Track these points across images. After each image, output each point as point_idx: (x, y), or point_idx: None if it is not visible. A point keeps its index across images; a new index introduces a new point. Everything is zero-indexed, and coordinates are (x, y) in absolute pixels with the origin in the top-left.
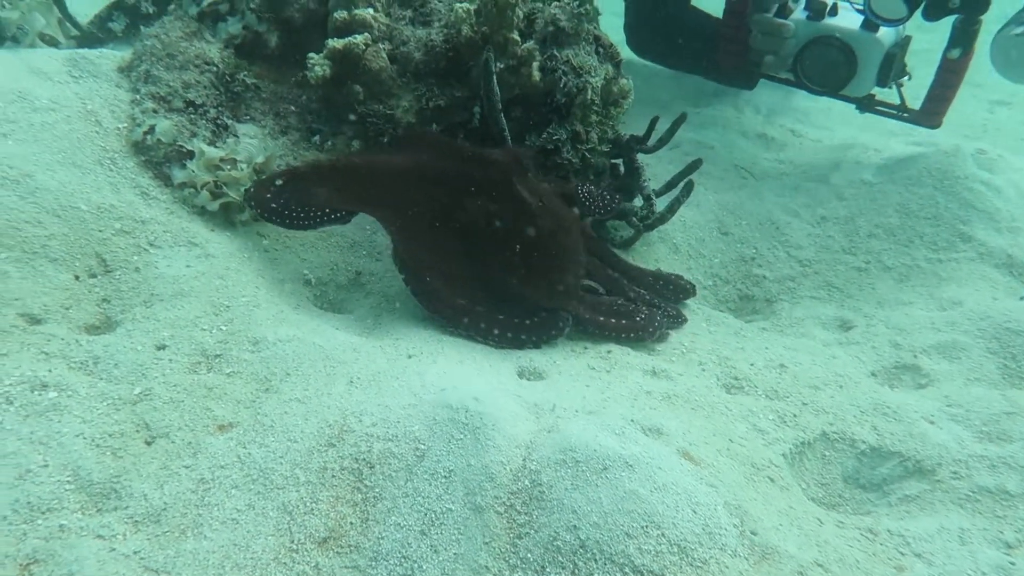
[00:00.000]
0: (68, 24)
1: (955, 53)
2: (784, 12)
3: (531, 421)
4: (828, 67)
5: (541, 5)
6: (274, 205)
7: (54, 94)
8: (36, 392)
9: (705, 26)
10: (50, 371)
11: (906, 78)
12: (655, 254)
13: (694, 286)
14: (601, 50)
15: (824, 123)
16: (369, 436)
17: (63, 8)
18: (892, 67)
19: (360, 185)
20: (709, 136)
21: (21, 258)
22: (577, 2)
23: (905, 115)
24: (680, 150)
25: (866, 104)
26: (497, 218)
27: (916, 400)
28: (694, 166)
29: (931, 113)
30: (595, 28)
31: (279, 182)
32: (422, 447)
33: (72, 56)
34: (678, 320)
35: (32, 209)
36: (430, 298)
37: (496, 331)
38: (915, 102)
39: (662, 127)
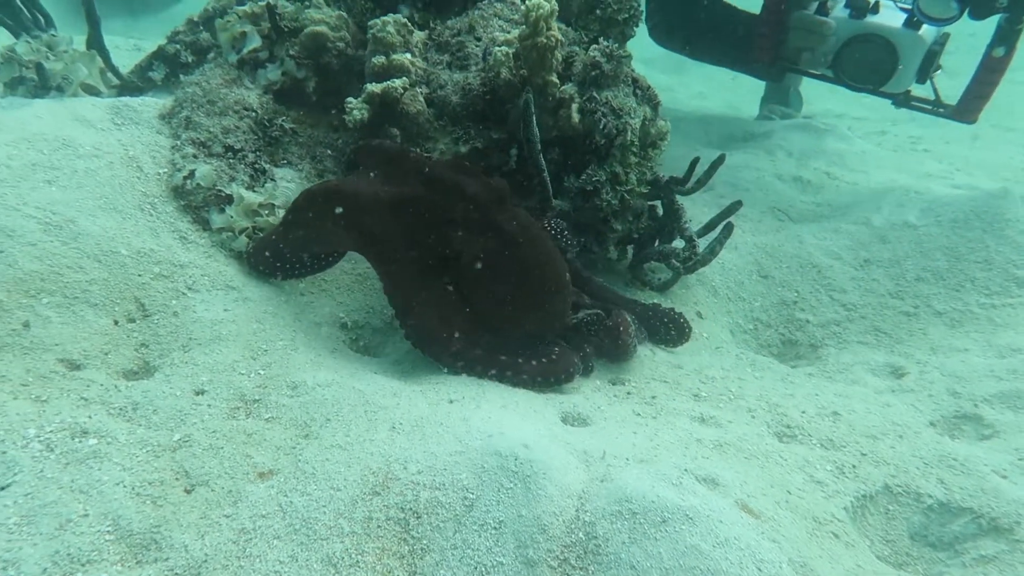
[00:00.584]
0: (110, 74)
1: (1000, 51)
2: (824, 10)
3: (582, 470)
4: (870, 64)
5: (578, 49)
6: (267, 254)
7: (97, 141)
8: (76, 439)
9: (734, 19)
10: (90, 417)
11: (938, 71)
12: (694, 297)
13: (690, 328)
14: (639, 92)
15: (859, 166)
16: (415, 484)
17: (106, 58)
18: (932, 64)
19: (349, 218)
20: (743, 178)
21: (62, 303)
22: (616, 44)
23: (941, 110)
24: (714, 192)
25: (902, 100)
26: (482, 251)
27: (984, 452)
28: (733, 208)
29: (968, 110)
30: (632, 70)
31: (273, 237)
32: (471, 496)
33: (115, 104)
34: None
35: (74, 254)
36: (427, 342)
37: (494, 371)
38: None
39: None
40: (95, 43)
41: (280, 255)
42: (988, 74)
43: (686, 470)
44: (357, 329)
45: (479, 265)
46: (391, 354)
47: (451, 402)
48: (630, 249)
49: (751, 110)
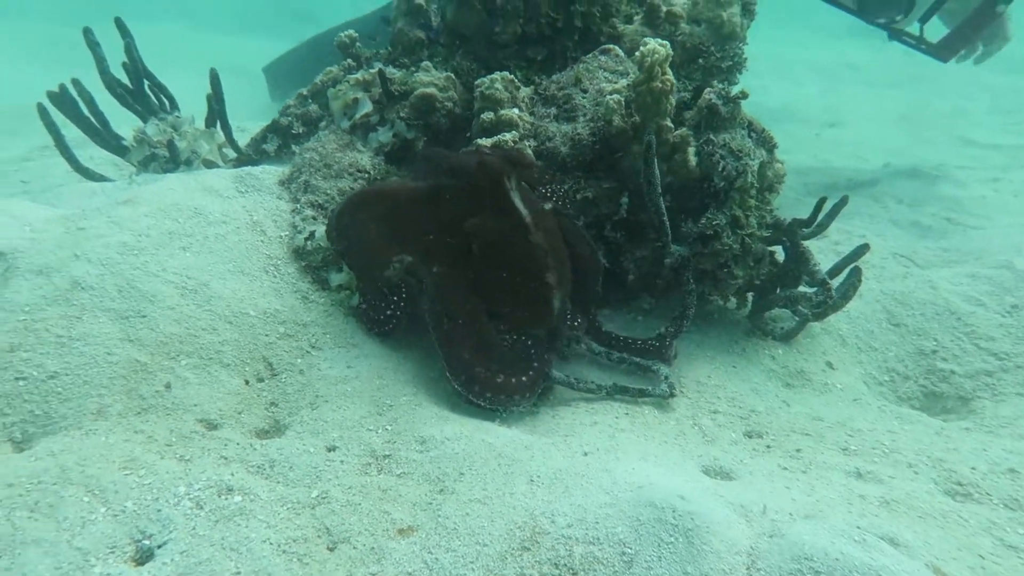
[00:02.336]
0: (229, 148)
1: (1001, 7)
2: None
3: (744, 524)
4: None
5: (687, 95)
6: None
7: (225, 208)
8: (223, 497)
9: None
10: (232, 475)
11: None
12: (820, 346)
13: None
14: (754, 135)
15: (980, 211)
16: (567, 539)
17: (228, 132)
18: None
19: (391, 220)
20: (856, 225)
21: (199, 364)
22: (732, 85)
23: (923, 47)
24: (828, 240)
25: (896, 33)
26: (494, 233)
27: None
28: (860, 251)
29: (948, 48)
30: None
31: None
32: (629, 551)
33: (238, 173)
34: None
35: (208, 316)
36: (471, 385)
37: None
38: None
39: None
40: (220, 118)
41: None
42: (979, 19)
43: (858, 527)
44: None
45: (485, 249)
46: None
47: (585, 454)
48: (750, 297)
49: (843, 162)
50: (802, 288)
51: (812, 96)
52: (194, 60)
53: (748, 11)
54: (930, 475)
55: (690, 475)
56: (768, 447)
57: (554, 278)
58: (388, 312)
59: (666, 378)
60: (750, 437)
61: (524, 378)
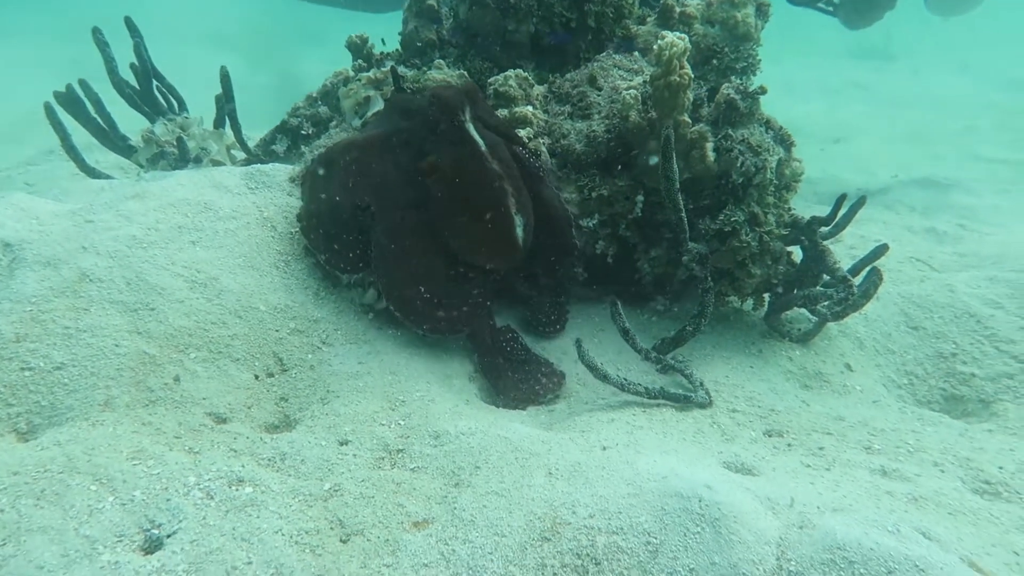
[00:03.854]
0: (238, 149)
1: None
2: None
3: (771, 516)
4: None
5: (704, 90)
6: (320, 232)
7: (235, 204)
8: (233, 487)
9: None
10: (243, 467)
11: None
12: (839, 348)
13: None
14: (772, 132)
15: (995, 219)
16: (589, 528)
17: (237, 131)
18: None
19: (354, 170)
20: (870, 231)
21: (208, 358)
22: (749, 81)
23: (830, 9)
24: (843, 244)
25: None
26: (452, 161)
27: None
28: (879, 252)
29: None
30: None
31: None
32: (654, 540)
33: (248, 170)
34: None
35: (218, 311)
36: (412, 316)
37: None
38: None
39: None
40: (230, 116)
41: (328, 234)
42: None
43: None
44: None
45: (444, 185)
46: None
47: (604, 449)
48: (767, 298)
49: (850, 175)
50: (821, 288)
51: (818, 113)
52: (203, 77)
53: (762, 12)
54: (957, 473)
55: (713, 469)
56: (789, 445)
57: (514, 204)
58: (351, 255)
59: (701, 384)
60: (770, 436)
61: (460, 311)
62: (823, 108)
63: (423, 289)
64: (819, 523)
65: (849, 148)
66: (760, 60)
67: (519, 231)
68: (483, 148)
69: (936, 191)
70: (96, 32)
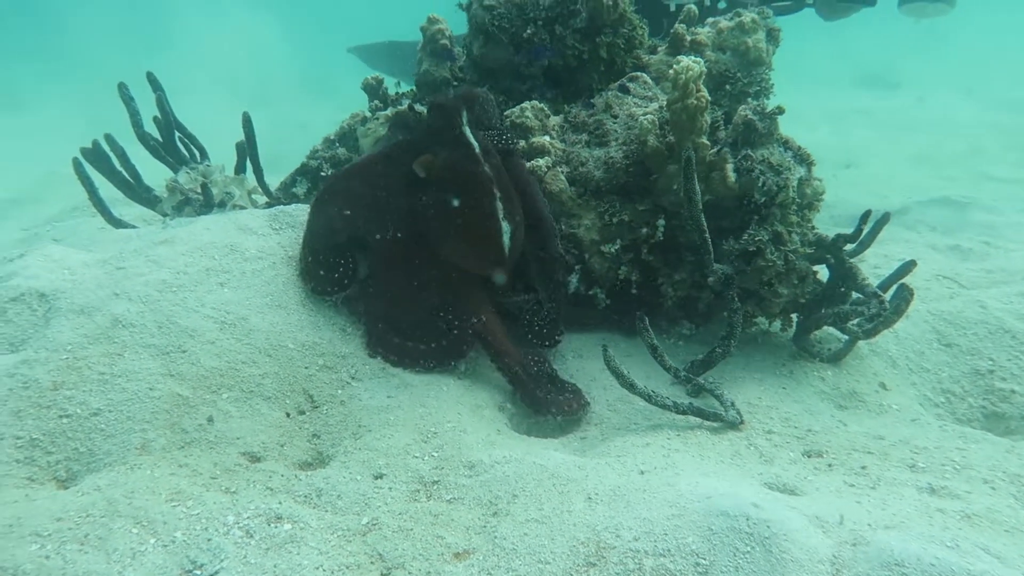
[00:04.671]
0: (259, 194)
1: None
2: None
3: (821, 534)
4: None
5: (720, 114)
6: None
7: (260, 245)
8: (272, 525)
9: None
10: (280, 504)
11: None
12: (871, 367)
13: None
14: (790, 152)
15: (1018, 236)
16: (635, 552)
17: (260, 175)
18: None
19: (351, 191)
20: (893, 251)
21: (240, 397)
22: (766, 101)
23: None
24: (867, 264)
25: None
26: (446, 164)
27: None
28: (906, 268)
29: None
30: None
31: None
32: (703, 562)
33: (272, 212)
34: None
35: (247, 350)
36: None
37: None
38: None
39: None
40: (252, 160)
41: (317, 259)
42: None
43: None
44: (517, 412)
45: (436, 187)
46: (556, 436)
47: (642, 473)
48: (794, 318)
49: (864, 199)
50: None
51: (826, 139)
52: (221, 127)
53: (773, 37)
54: (1009, 491)
55: (756, 489)
56: (830, 465)
57: (501, 210)
58: (336, 275)
59: (733, 405)
60: (809, 456)
61: (436, 344)
62: (831, 135)
63: (404, 324)
64: (873, 540)
65: (860, 173)
66: (773, 84)
67: (505, 238)
68: (477, 151)
69: (954, 210)
70: (122, 87)
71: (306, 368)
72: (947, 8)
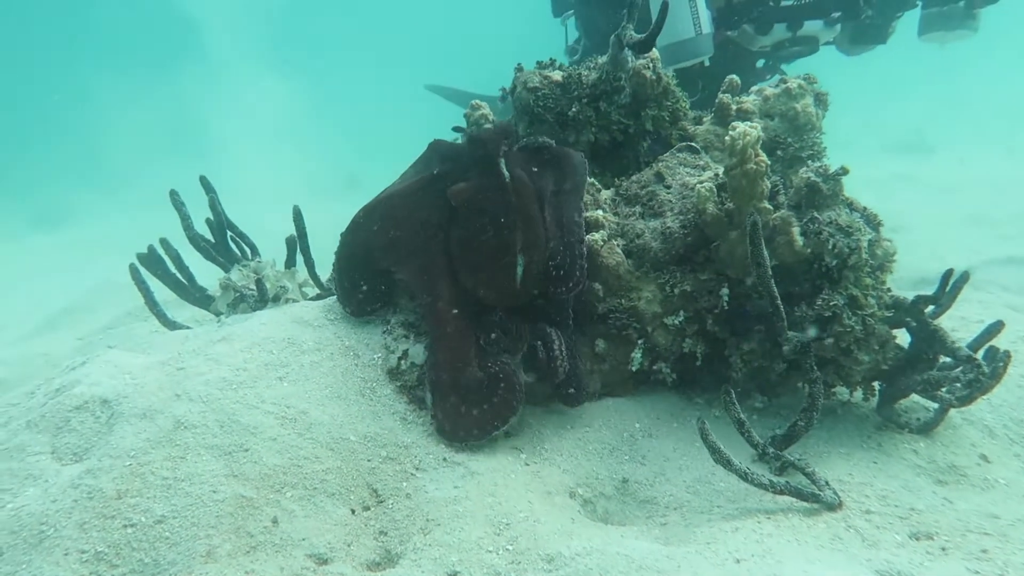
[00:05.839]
0: (310, 286)
1: None
2: None
3: None
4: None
5: (780, 178)
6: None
7: (317, 337)
8: None
9: None
10: None
11: None
12: (968, 438)
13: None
14: (857, 213)
15: None
16: None
17: (311, 267)
18: None
19: (385, 220)
20: (970, 312)
21: (304, 495)
22: (828, 162)
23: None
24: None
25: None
26: (475, 188)
27: None
28: (994, 329)
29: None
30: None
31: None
32: None
33: (327, 303)
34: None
35: (309, 445)
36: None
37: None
38: None
39: None
40: (303, 252)
41: (341, 276)
42: None
43: None
44: (588, 497)
45: (466, 217)
46: (634, 523)
47: (738, 562)
48: (876, 387)
49: (921, 263)
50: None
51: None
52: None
53: (821, 101)
54: None
55: None
56: (943, 549)
57: (520, 241)
58: (374, 292)
59: (827, 484)
60: (917, 539)
61: (487, 406)
62: (874, 201)
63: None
64: None
65: (912, 236)
66: (825, 148)
67: (519, 270)
68: (507, 180)
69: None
70: (173, 193)
71: (368, 460)
72: (969, 33)
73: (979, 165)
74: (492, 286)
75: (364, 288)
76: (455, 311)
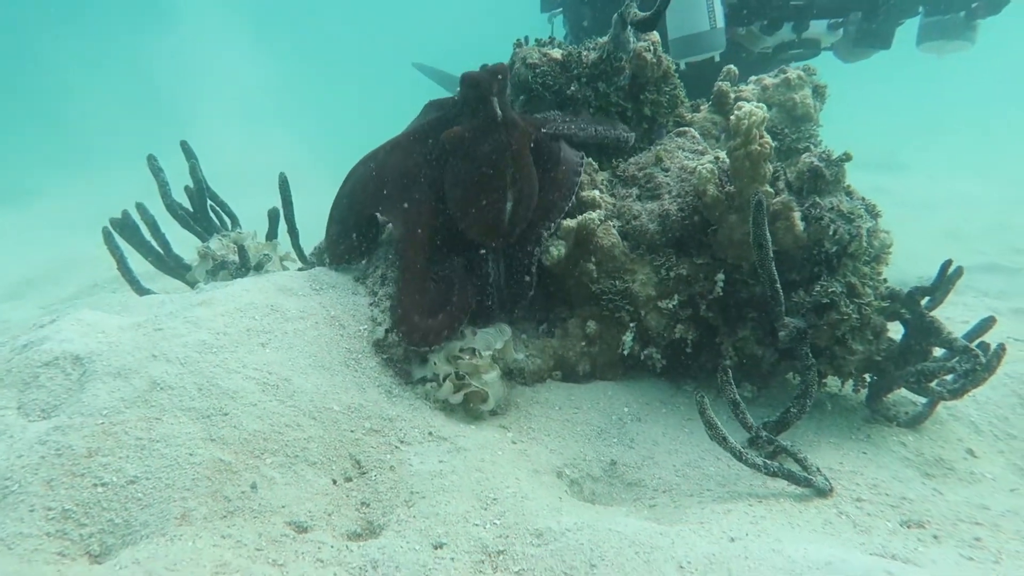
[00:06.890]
0: (291, 260)
1: None
2: None
3: None
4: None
5: (780, 164)
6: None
7: (301, 305)
8: None
9: None
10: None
11: None
12: (955, 433)
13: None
14: (857, 201)
15: None
16: None
17: (295, 239)
18: None
19: (379, 168)
20: (954, 313)
21: (284, 463)
22: (830, 149)
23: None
24: None
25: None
26: (468, 129)
27: None
28: (986, 325)
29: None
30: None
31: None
32: None
33: (311, 273)
34: None
35: (291, 412)
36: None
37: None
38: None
39: None
40: (288, 221)
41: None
42: None
43: None
44: (575, 477)
45: (459, 156)
46: (621, 504)
47: (733, 540)
48: (867, 378)
49: (900, 274)
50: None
51: None
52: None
53: (819, 94)
54: None
55: (873, 559)
56: (935, 537)
57: (509, 177)
58: (356, 243)
59: (818, 470)
60: (909, 527)
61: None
62: None
63: (425, 302)
64: None
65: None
66: (822, 140)
67: (508, 205)
68: (499, 118)
69: (1005, 275)
70: (151, 158)
71: (352, 431)
72: (967, 44)
73: (952, 182)
74: (480, 222)
75: (354, 236)
76: (427, 253)
